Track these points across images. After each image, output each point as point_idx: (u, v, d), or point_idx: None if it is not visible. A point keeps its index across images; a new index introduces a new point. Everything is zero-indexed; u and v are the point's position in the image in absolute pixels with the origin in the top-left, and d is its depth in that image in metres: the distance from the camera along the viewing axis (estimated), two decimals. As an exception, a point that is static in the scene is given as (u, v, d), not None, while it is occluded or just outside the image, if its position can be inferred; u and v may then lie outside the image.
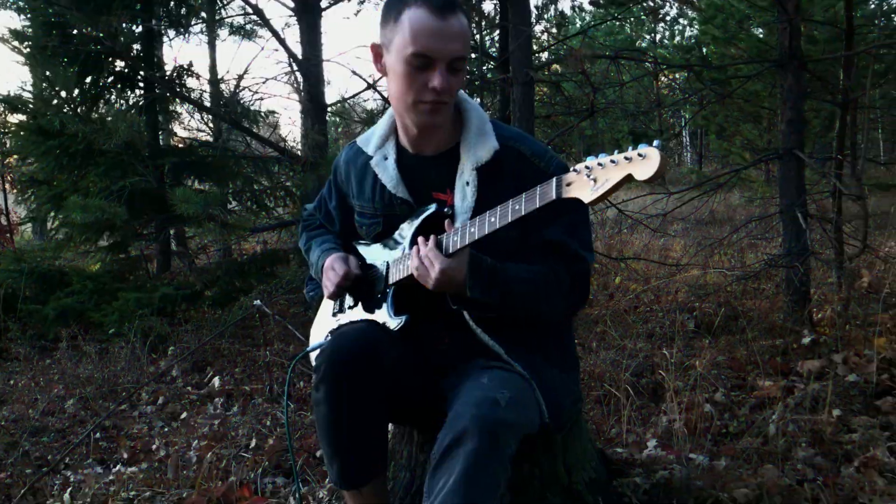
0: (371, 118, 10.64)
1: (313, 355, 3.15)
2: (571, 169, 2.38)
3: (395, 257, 3.07)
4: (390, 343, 2.88)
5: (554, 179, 2.42)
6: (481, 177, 2.91)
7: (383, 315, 3.03)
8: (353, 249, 3.35)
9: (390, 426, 3.44)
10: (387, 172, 3.09)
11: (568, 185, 2.37)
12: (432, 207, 2.97)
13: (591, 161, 2.33)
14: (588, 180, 2.31)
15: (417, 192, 3.07)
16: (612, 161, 2.27)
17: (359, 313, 3.18)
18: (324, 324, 3.38)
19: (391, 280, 3.06)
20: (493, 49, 11.32)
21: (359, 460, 2.90)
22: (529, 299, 2.84)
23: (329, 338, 2.91)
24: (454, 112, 3.04)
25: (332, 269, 3.17)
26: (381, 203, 3.15)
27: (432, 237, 2.72)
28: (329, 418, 2.81)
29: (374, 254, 3.23)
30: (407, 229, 3.04)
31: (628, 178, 2.24)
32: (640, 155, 2.21)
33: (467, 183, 2.91)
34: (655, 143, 2.19)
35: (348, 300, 3.27)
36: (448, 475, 2.50)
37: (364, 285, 3.18)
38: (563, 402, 2.98)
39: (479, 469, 2.47)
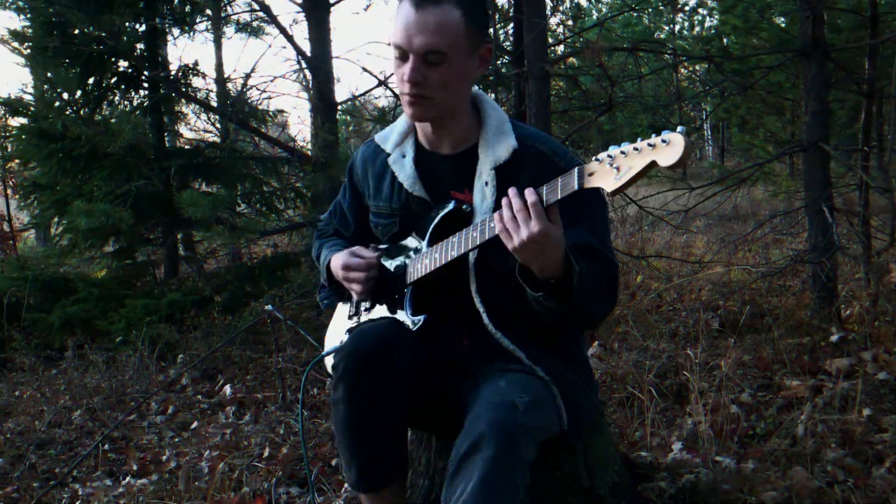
0: (382, 116, 10.63)
1: (328, 361, 3.16)
2: (593, 158, 2.37)
3: (413, 256, 3.07)
4: (410, 343, 2.88)
5: (576, 169, 2.41)
6: (500, 176, 2.91)
7: (401, 315, 3.04)
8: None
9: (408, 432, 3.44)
10: (404, 170, 3.11)
11: (590, 174, 2.37)
12: (451, 205, 2.97)
13: (613, 150, 2.33)
14: (611, 169, 2.31)
15: (435, 191, 3.08)
16: (636, 149, 2.26)
17: (376, 315, 3.18)
18: (339, 328, 3.38)
19: (410, 279, 3.06)
20: (508, 43, 11.30)
21: (378, 462, 2.91)
22: (593, 293, 2.71)
23: (347, 337, 2.91)
24: (472, 111, 3.07)
25: (348, 267, 3.13)
26: (399, 202, 3.16)
27: (531, 189, 2.55)
28: (348, 417, 2.82)
29: (391, 254, 3.22)
30: (424, 228, 3.04)
31: (652, 165, 2.23)
32: (663, 141, 2.20)
33: (486, 183, 2.93)
34: (679, 128, 2.18)
35: (364, 302, 3.27)
36: (466, 482, 2.49)
37: (381, 286, 3.17)
38: (581, 407, 2.98)
39: (498, 475, 2.47)
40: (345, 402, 2.79)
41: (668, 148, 2.18)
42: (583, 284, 2.60)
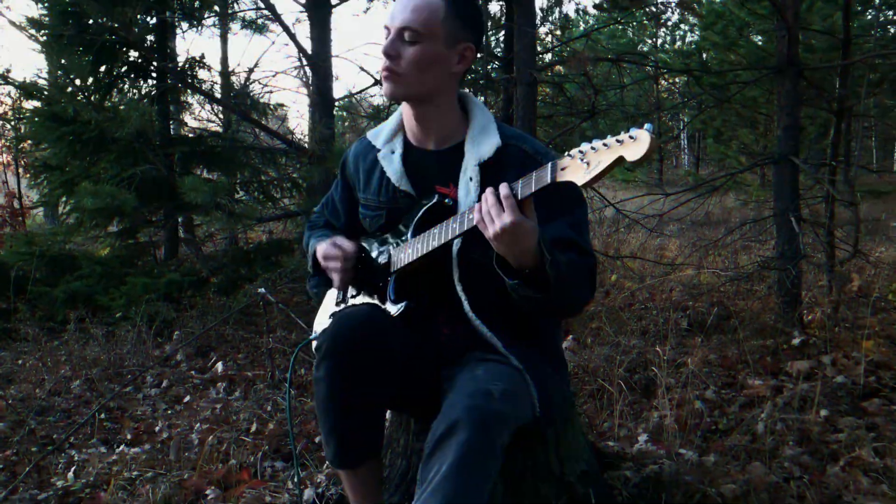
0: (377, 114, 10.65)
1: (315, 343, 3.16)
2: (566, 154, 2.38)
3: (397, 246, 3.08)
4: (392, 327, 2.87)
5: (549, 164, 2.41)
6: (484, 172, 2.92)
7: (387, 304, 3.04)
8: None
9: (388, 414, 3.44)
10: (392, 165, 3.12)
11: (563, 169, 2.37)
12: (435, 199, 2.98)
13: (584, 146, 2.32)
14: (581, 164, 2.31)
15: (421, 186, 3.08)
16: (605, 145, 2.26)
17: (361, 301, 3.17)
18: (327, 314, 3.37)
19: (393, 268, 3.06)
20: (499, 49, 11.30)
21: (355, 440, 2.90)
22: (570, 283, 2.70)
23: (331, 320, 2.91)
24: (460, 110, 3.09)
25: (328, 256, 3.16)
26: (386, 196, 3.16)
27: (505, 183, 2.57)
28: (328, 396, 2.80)
29: (377, 245, 3.22)
30: (409, 220, 3.04)
31: (620, 160, 2.23)
32: (630, 137, 2.20)
33: (471, 178, 2.93)
34: (647, 126, 2.18)
35: (351, 290, 3.27)
36: (440, 464, 2.49)
37: (367, 275, 3.17)
38: (554, 396, 2.97)
39: (471, 459, 2.47)
40: (325, 382, 2.78)
41: (635, 144, 2.18)
42: (559, 273, 2.59)
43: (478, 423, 2.50)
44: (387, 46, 2.84)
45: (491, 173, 2.90)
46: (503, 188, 2.53)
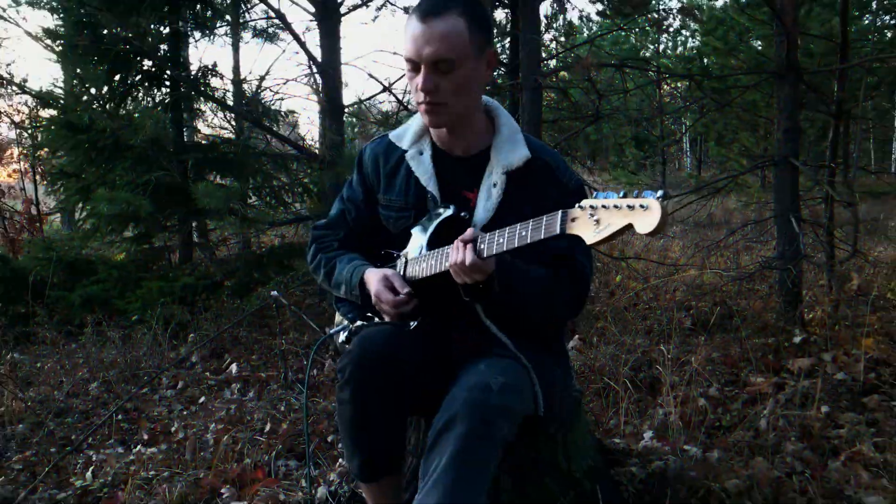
0: (386, 120, 10.62)
1: (341, 337, 3.17)
2: (577, 206, 2.35)
3: (412, 257, 3.05)
4: (412, 345, 2.88)
5: (559, 213, 2.39)
6: (510, 180, 2.91)
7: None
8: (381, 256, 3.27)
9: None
10: (422, 166, 3.08)
11: (573, 220, 2.35)
12: (450, 211, 2.96)
13: (596, 201, 2.29)
14: (591, 221, 2.29)
15: (445, 190, 3.06)
16: (616, 206, 2.23)
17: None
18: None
19: (409, 280, 3.03)
20: (504, 56, 11.28)
21: (379, 456, 2.91)
22: (538, 302, 2.85)
23: (353, 340, 2.90)
24: (485, 118, 3.07)
25: (380, 297, 2.99)
26: (414, 196, 3.11)
27: (470, 246, 2.66)
28: (353, 418, 2.81)
29: (393, 245, 3.20)
30: (424, 229, 3.03)
31: (629, 228, 2.21)
32: (641, 206, 2.17)
33: (494, 184, 2.92)
34: (659, 192, 2.17)
35: None
36: (440, 457, 2.51)
37: None
38: (559, 395, 2.98)
39: (470, 451, 2.48)
40: (350, 403, 2.78)
41: (646, 214, 2.16)
42: (514, 298, 2.80)
43: (476, 416, 2.51)
44: (425, 84, 2.76)
45: (516, 182, 2.90)
46: (468, 255, 2.64)
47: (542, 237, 2.45)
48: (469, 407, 2.53)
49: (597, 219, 2.28)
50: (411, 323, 2.95)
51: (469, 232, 2.68)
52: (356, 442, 2.88)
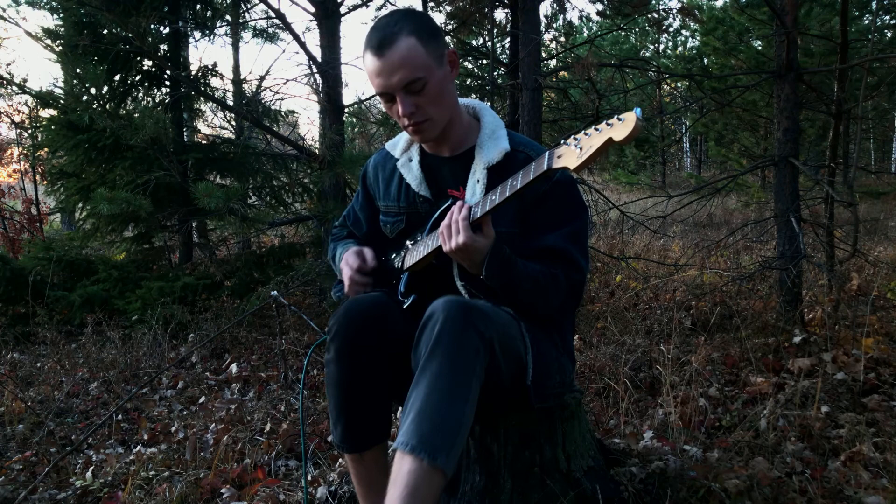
0: (385, 119, 10.65)
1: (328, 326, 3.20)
2: (562, 142, 2.45)
3: (412, 247, 3.13)
4: (403, 319, 2.92)
5: (547, 152, 2.49)
6: (491, 175, 2.96)
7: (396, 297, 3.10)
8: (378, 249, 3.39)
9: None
10: (412, 172, 3.19)
11: (559, 156, 2.43)
12: (448, 202, 3.01)
13: (579, 134, 2.40)
14: (575, 149, 2.37)
15: (436, 190, 3.16)
16: (596, 129, 2.32)
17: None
18: None
19: (406, 265, 3.11)
20: (504, 56, 11.29)
21: (362, 423, 2.91)
22: (530, 296, 2.88)
23: (342, 304, 2.93)
24: (471, 118, 3.17)
25: (346, 264, 3.22)
26: (406, 201, 3.23)
27: (467, 205, 2.74)
28: (337, 377, 2.82)
29: (395, 248, 3.28)
30: (425, 222, 3.10)
31: (609, 143, 2.28)
32: (618, 119, 2.26)
33: (478, 180, 2.98)
34: (636, 109, 2.24)
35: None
36: (425, 345, 2.54)
37: (384, 275, 3.24)
38: (549, 373, 2.98)
39: (453, 331, 2.51)
40: (335, 362, 2.80)
41: (622, 125, 2.24)
42: (507, 284, 2.82)
43: (456, 309, 2.55)
44: (405, 109, 2.83)
45: (498, 176, 2.93)
46: (463, 210, 2.71)
47: (532, 178, 2.53)
48: (448, 304, 2.57)
49: (580, 146, 2.37)
50: (405, 300, 3.03)
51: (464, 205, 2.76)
52: (339, 405, 2.89)
